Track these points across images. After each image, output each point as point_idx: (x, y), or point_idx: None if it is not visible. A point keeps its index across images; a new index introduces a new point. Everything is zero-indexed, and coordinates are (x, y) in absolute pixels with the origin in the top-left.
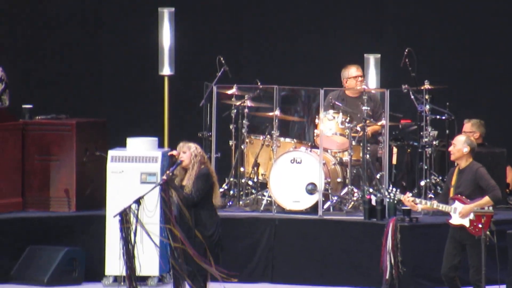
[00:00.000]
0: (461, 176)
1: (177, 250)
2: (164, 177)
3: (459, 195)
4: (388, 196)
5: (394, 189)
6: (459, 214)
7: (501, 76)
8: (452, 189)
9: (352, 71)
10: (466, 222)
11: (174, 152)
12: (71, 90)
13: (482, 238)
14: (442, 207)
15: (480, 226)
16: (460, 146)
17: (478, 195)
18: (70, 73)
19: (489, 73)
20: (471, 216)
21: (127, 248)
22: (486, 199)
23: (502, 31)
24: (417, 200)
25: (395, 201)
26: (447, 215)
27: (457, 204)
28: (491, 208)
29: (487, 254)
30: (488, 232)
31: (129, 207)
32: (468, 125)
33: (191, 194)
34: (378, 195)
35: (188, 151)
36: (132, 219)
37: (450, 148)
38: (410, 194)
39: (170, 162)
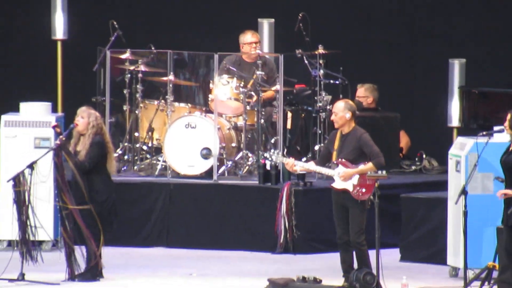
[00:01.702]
0: (344, 141)
1: (68, 216)
2: (58, 141)
3: (343, 160)
4: (270, 159)
5: (275, 152)
6: (340, 177)
7: (394, 41)
8: (334, 153)
9: (247, 37)
10: (349, 187)
11: (56, 124)
12: None
13: (375, 202)
14: (325, 170)
15: (363, 190)
16: (341, 113)
17: (362, 161)
18: None
19: (382, 38)
20: (355, 180)
21: (20, 213)
22: (370, 165)
23: None
24: (299, 164)
25: (276, 164)
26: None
27: (340, 168)
28: (384, 172)
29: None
30: (371, 197)
31: (23, 172)
32: (361, 90)
33: (84, 161)
34: (263, 155)
35: (86, 119)
36: (25, 184)
37: (332, 117)
38: (291, 158)
39: (55, 133)
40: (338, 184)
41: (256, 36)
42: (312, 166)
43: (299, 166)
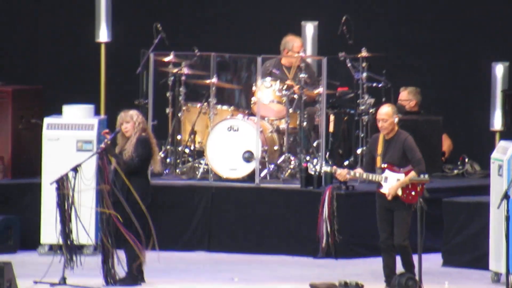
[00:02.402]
0: (388, 145)
1: (108, 221)
2: (102, 145)
3: (389, 164)
4: (314, 169)
5: (320, 162)
6: (388, 196)
7: (436, 44)
8: (379, 158)
9: (296, 44)
10: (398, 191)
11: (107, 131)
12: (7, 57)
13: (418, 206)
14: (373, 176)
15: (413, 193)
16: (391, 119)
17: (406, 163)
18: (6, 40)
19: (425, 41)
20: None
21: (63, 217)
22: (412, 174)
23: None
24: (352, 173)
25: (321, 174)
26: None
27: (387, 173)
28: (426, 176)
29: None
30: (421, 199)
31: (66, 175)
32: (404, 93)
33: (132, 158)
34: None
35: (131, 121)
36: (69, 187)
37: (381, 124)
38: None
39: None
40: (386, 189)
41: (300, 41)
42: (362, 173)
43: (351, 175)
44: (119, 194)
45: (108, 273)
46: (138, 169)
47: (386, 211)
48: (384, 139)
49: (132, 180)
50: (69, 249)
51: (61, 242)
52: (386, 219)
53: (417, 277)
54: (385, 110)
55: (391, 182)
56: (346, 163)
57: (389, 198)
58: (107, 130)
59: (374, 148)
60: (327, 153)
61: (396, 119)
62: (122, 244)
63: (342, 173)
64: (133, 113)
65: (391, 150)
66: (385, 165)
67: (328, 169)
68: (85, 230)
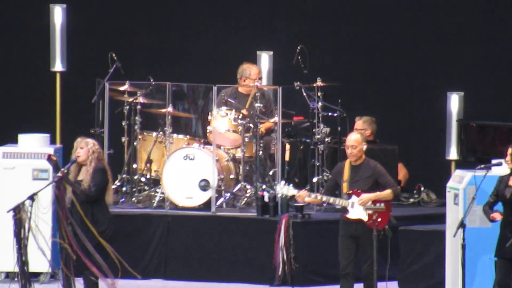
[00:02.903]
0: (356, 171)
1: (66, 249)
2: (59, 174)
3: (357, 190)
4: (281, 192)
5: (284, 184)
6: (359, 201)
7: (392, 74)
8: (345, 184)
9: (254, 71)
10: (364, 217)
11: (52, 153)
12: None
13: (373, 234)
14: (339, 201)
15: (379, 220)
16: (360, 145)
17: (374, 191)
18: None
19: (380, 71)
20: (369, 210)
21: (20, 244)
22: (388, 191)
23: (392, 29)
24: (312, 195)
25: (287, 197)
26: (341, 210)
27: (354, 198)
28: (382, 205)
29: (378, 249)
30: (387, 226)
31: (23, 203)
32: (359, 123)
33: (89, 188)
34: (271, 191)
35: (85, 147)
36: (25, 216)
37: (351, 151)
38: (304, 190)
39: (51, 163)
40: (352, 215)
41: (258, 69)
42: (323, 197)
43: (311, 198)
44: (75, 224)
45: None
46: (96, 198)
47: (350, 239)
48: (351, 165)
49: (95, 209)
50: (25, 276)
51: (17, 269)
52: (349, 247)
53: None
54: (355, 137)
55: (358, 207)
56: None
57: (359, 202)
58: (50, 154)
59: (340, 174)
60: (283, 181)
61: (365, 147)
62: (81, 272)
63: (302, 195)
64: (89, 141)
65: (360, 177)
66: (354, 191)
67: (295, 192)
68: (44, 254)
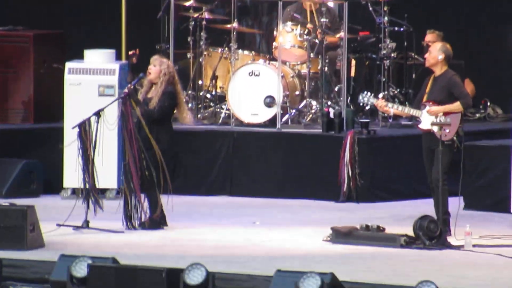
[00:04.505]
0: (435, 83)
1: (126, 167)
2: (126, 90)
3: (431, 101)
4: (362, 101)
5: (368, 93)
6: (428, 112)
7: None
8: (425, 95)
9: None
10: (435, 128)
11: (133, 51)
12: (27, 1)
13: (438, 149)
14: (413, 111)
15: (447, 131)
16: (435, 53)
17: (450, 103)
18: None
19: None
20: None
21: (85, 160)
22: (457, 104)
23: None
24: (390, 105)
25: (369, 105)
26: (415, 121)
27: (428, 108)
28: (448, 119)
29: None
30: (455, 138)
31: (89, 119)
32: (431, 35)
33: (154, 109)
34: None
35: (158, 67)
36: (92, 132)
37: (426, 55)
38: (381, 97)
39: (128, 63)
40: (424, 125)
41: None
42: (401, 107)
43: (391, 107)
44: (139, 139)
45: (129, 217)
46: (160, 119)
47: (429, 151)
48: (434, 77)
49: (158, 128)
50: (91, 193)
51: (82, 186)
52: (430, 160)
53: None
54: (435, 44)
55: (428, 118)
56: (367, 108)
57: (429, 114)
58: (134, 51)
59: (424, 86)
60: (349, 98)
61: (441, 56)
62: (145, 188)
63: (381, 103)
64: (164, 61)
65: (437, 88)
66: (427, 101)
67: (374, 101)
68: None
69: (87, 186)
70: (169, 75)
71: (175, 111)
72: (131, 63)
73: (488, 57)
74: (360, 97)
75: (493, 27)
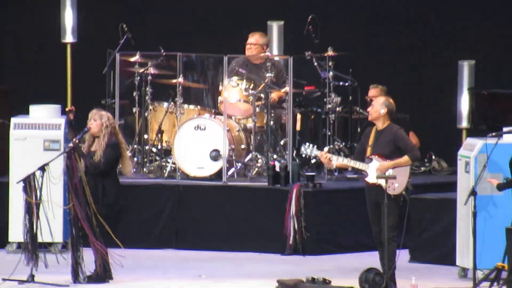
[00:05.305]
0: (379, 136)
1: (74, 220)
2: (71, 144)
3: (377, 154)
4: (305, 152)
5: (311, 145)
6: (377, 170)
7: (403, 43)
8: (369, 149)
9: (251, 39)
10: (382, 181)
11: (70, 108)
12: None
13: (384, 202)
14: (359, 165)
15: (396, 185)
16: (378, 107)
17: (396, 156)
18: None
19: (391, 40)
20: (381, 179)
21: (29, 215)
22: (405, 158)
23: None
24: (334, 157)
25: (312, 157)
26: (360, 174)
27: (375, 162)
28: (391, 171)
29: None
30: (403, 192)
31: (34, 174)
32: (374, 90)
33: (99, 162)
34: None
35: (99, 120)
36: (37, 186)
37: (369, 109)
38: (326, 150)
39: (67, 119)
40: (371, 179)
41: (255, 37)
42: (346, 160)
43: (334, 160)
44: (88, 192)
45: (76, 271)
46: (106, 172)
47: (375, 205)
48: (376, 130)
49: (105, 182)
50: (33, 246)
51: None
52: (375, 214)
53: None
54: (378, 98)
55: (375, 172)
56: (313, 161)
57: (378, 173)
58: (71, 108)
59: (366, 139)
60: (294, 152)
61: (383, 111)
62: (91, 241)
63: (324, 155)
64: (104, 114)
65: (382, 142)
66: (374, 154)
67: (318, 152)
68: (49, 227)
69: (32, 239)
70: (111, 126)
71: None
72: (69, 120)
73: (432, 111)
74: (302, 149)
75: (437, 79)
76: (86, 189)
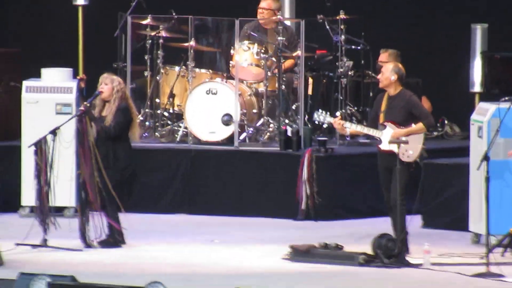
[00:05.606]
0: (391, 102)
1: (83, 185)
2: (82, 107)
3: (391, 121)
4: (318, 119)
5: (324, 112)
6: (391, 137)
7: (415, 6)
8: (382, 115)
9: (262, 3)
10: (395, 148)
11: (82, 76)
12: None
13: (397, 167)
14: (373, 131)
15: (410, 152)
16: (387, 74)
17: (409, 122)
18: None
19: (404, 3)
20: (393, 144)
21: (39, 179)
22: (420, 125)
23: None
24: (347, 124)
25: (324, 123)
26: (373, 139)
27: (388, 129)
28: (404, 138)
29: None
30: (417, 159)
31: (45, 137)
32: (384, 55)
33: (110, 127)
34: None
35: (110, 84)
36: (48, 150)
37: (379, 76)
38: (339, 116)
39: (78, 86)
40: (384, 146)
41: (266, 2)
42: (360, 127)
43: (348, 126)
44: (98, 158)
45: (84, 236)
46: (117, 136)
47: (386, 171)
48: (388, 96)
49: (117, 145)
50: (44, 211)
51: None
52: (387, 179)
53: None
54: (387, 65)
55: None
56: (325, 126)
57: (391, 138)
58: (82, 76)
59: (378, 105)
60: (306, 116)
61: (394, 77)
62: (103, 206)
63: (338, 122)
64: (115, 79)
65: (394, 108)
66: (387, 121)
67: (331, 119)
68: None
69: (44, 203)
70: (121, 91)
71: None
72: (80, 87)
73: (444, 75)
74: (315, 115)
75: (450, 44)
76: (97, 154)
